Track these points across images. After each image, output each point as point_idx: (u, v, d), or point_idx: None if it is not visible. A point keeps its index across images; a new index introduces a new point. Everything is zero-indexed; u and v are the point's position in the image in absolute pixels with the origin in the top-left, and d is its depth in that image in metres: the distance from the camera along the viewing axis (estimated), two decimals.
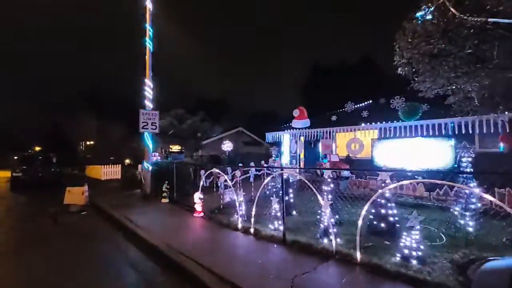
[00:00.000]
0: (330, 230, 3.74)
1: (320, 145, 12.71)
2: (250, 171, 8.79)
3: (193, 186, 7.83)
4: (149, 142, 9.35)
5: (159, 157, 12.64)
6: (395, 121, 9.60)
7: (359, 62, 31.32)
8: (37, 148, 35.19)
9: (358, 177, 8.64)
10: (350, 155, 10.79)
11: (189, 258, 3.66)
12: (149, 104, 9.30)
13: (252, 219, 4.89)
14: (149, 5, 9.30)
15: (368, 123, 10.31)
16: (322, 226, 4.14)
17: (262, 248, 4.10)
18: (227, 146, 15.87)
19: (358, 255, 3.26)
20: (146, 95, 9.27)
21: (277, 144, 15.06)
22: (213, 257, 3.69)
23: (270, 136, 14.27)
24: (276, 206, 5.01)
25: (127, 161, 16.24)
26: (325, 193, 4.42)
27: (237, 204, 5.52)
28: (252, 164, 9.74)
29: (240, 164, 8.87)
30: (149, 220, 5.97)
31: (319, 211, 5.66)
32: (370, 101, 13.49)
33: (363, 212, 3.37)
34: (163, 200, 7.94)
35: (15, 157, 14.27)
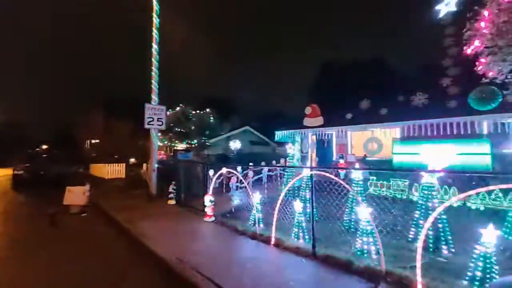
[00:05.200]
0: (375, 247, 3.10)
1: (333, 145, 12.02)
2: (262, 171, 8.21)
3: (201, 186, 7.24)
4: (154, 140, 8.80)
5: (164, 156, 12.11)
6: (418, 119, 8.87)
7: (371, 61, 30.42)
8: (44, 146, 35.18)
9: (379, 178, 7.94)
10: (367, 155, 10.09)
11: (207, 279, 3.04)
12: (155, 98, 8.75)
13: (273, 227, 4.26)
14: None
15: (387, 122, 9.60)
16: (360, 240, 3.49)
17: (289, 263, 3.47)
18: (235, 145, 15.27)
19: (419, 279, 2.59)
20: (152, 88, 8.71)
21: (286, 143, 14.44)
22: (235, 277, 3.07)
23: (279, 135, 13.63)
24: (299, 211, 4.38)
25: (132, 160, 15.75)
26: (359, 198, 3.77)
27: (254, 208, 4.90)
28: (263, 163, 9.12)
29: (251, 164, 8.25)
30: (156, 225, 5.38)
31: (345, 217, 5.08)
32: (388, 99, 12.74)
33: (425, 230, 2.69)
34: (170, 202, 7.37)
35: (19, 155, 13.94)
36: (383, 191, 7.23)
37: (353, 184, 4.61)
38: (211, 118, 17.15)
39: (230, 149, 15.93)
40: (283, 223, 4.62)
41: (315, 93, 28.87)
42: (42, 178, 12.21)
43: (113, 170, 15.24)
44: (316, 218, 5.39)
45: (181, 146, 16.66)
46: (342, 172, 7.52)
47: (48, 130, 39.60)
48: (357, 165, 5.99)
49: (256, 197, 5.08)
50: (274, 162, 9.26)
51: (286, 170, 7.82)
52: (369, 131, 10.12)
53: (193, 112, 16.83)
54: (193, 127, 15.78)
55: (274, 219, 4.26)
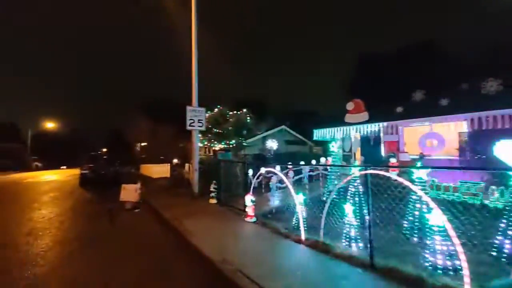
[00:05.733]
0: (451, 262, 2.53)
1: (381, 143, 10.89)
2: (303, 171, 7.81)
3: (241, 186, 7.20)
4: (196, 141, 9.12)
5: (204, 156, 12.54)
6: (491, 109, 7.43)
7: (418, 47, 27.12)
8: (104, 149, 40.38)
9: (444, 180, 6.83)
10: (424, 153, 8.85)
11: (255, 283, 2.86)
12: (195, 100, 9.07)
13: (321, 231, 3.90)
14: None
15: (451, 114, 8.25)
16: (429, 252, 2.91)
17: (344, 273, 3.08)
18: (271, 144, 15.06)
19: None
20: (192, 91, 9.05)
21: (326, 142, 13.63)
22: (287, 285, 2.83)
23: (317, 134, 12.96)
24: (350, 214, 3.93)
25: (175, 160, 16.79)
26: (432, 203, 3.17)
27: (297, 210, 4.60)
28: (302, 163, 8.71)
29: (290, 164, 7.91)
30: (199, 223, 5.47)
31: (404, 224, 4.41)
32: (446, 88, 11.07)
33: None
34: (211, 201, 7.50)
35: (83, 157, 16.05)
36: (448, 194, 6.18)
37: (416, 186, 3.96)
38: (248, 118, 17.28)
39: (267, 148, 15.77)
40: (329, 227, 4.21)
41: (353, 89, 26.89)
42: (103, 177, 13.78)
43: (159, 170, 16.43)
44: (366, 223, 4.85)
45: (219, 146, 17.18)
46: (393, 172, 6.66)
47: (105, 134, 45.50)
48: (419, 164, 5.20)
49: (299, 198, 4.77)
50: (313, 161, 8.76)
51: (329, 170, 7.29)
52: (426, 125, 8.87)
53: (230, 113, 17.19)
54: (230, 128, 16.11)
55: (322, 223, 3.90)
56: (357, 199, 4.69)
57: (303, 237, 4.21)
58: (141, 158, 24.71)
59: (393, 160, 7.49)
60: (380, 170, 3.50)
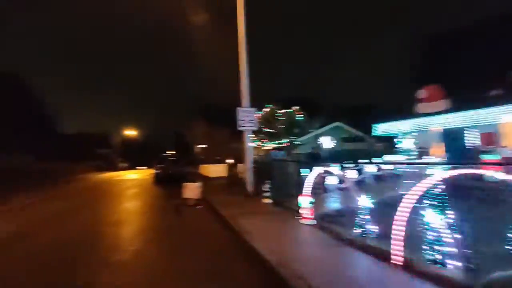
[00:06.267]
0: None
1: (473, 135, 8.80)
2: (365, 171, 6.97)
3: (295, 186, 6.91)
4: (247, 141, 9.26)
5: (256, 156, 12.70)
6: None
7: (500, 19, 21.09)
8: (171, 152, 46.14)
9: None
10: None
11: None
12: (245, 101, 9.21)
13: (402, 242, 3.26)
14: None
15: None
16: None
17: None
18: (326, 143, 14.16)
19: None
20: (242, 92, 9.22)
21: (391, 138, 11.96)
22: None
23: (380, 128, 11.45)
24: (437, 224, 3.19)
25: (229, 160, 17.62)
26: None
27: (363, 214, 4.04)
28: (364, 161, 7.81)
29: (349, 162, 7.18)
30: (255, 223, 5.45)
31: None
32: None
33: None
34: (265, 200, 7.45)
35: (155, 159, 18.50)
36: None
37: None
38: (299, 116, 16.73)
39: (321, 147, 14.92)
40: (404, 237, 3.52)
41: (420, 75, 22.80)
42: (171, 176, 15.57)
43: (215, 170, 17.53)
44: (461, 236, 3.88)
45: (271, 146, 17.19)
46: (494, 171, 5.18)
47: (172, 137, 52.01)
48: None
49: (365, 201, 4.19)
50: (377, 159, 7.73)
51: (398, 169, 6.29)
52: None
53: (281, 111, 16.98)
54: (281, 127, 15.91)
55: (403, 232, 3.27)
56: (443, 204, 3.81)
57: (374, 246, 3.65)
58: (200, 158, 26.97)
59: (489, 157, 5.91)
60: (476, 168, 2.71)
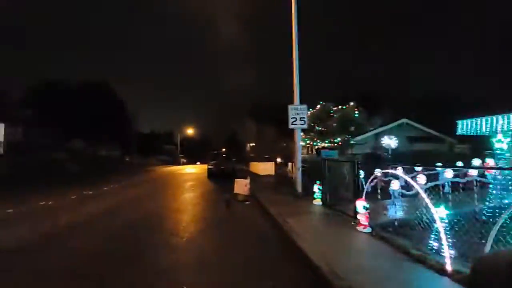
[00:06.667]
0: None
1: None
2: (442, 176, 5.81)
3: (350, 189, 6.31)
4: (298, 139, 8.98)
5: (306, 155, 12.22)
6: None
7: None
8: (223, 149, 49.32)
9: None
10: None
11: None
12: (297, 99, 8.93)
13: None
14: None
15: None
16: None
17: None
18: (388, 142, 12.54)
19: None
20: (294, 89, 8.96)
21: (480, 137, 9.69)
22: None
23: (464, 126, 9.37)
24: None
25: (278, 159, 17.54)
26: None
27: (440, 230, 3.33)
28: (439, 164, 6.63)
29: (419, 165, 6.16)
30: (304, 224, 5.23)
31: None
32: None
33: None
34: (315, 202, 7.07)
35: (209, 155, 19.97)
36: None
37: None
38: (356, 113, 15.29)
39: (382, 147, 13.29)
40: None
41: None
42: (223, 171, 16.52)
43: (264, 168, 17.71)
44: None
45: (322, 145, 16.29)
46: None
47: (224, 135, 55.55)
48: None
49: (440, 212, 3.47)
50: (460, 163, 6.33)
51: (488, 176, 5.02)
52: None
53: (335, 108, 15.85)
54: (334, 125, 14.85)
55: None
56: None
57: (449, 266, 2.98)
58: (250, 156, 27.75)
59: None
60: None
